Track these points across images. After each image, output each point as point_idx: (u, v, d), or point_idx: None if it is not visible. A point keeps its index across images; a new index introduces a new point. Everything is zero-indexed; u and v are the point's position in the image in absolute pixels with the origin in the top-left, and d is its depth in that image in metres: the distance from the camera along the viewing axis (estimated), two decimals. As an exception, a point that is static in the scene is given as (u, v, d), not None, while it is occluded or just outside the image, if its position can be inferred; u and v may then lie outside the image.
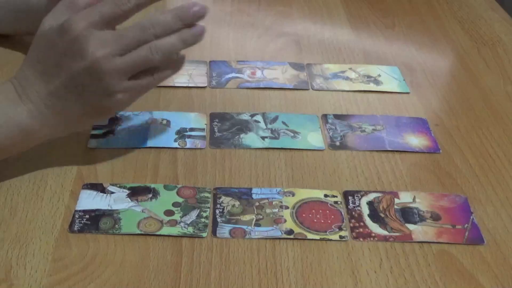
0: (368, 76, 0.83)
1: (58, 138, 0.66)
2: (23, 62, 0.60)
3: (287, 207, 0.60)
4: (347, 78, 0.82)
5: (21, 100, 0.58)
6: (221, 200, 0.61)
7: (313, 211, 0.60)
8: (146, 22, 0.58)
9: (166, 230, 0.57)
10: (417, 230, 0.59)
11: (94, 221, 0.57)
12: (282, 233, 0.57)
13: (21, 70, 0.59)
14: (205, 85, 0.79)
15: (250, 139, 0.69)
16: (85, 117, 0.61)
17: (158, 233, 0.57)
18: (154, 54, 0.58)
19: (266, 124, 0.72)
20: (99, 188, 0.61)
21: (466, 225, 0.60)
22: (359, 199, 0.62)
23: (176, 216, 0.58)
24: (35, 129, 0.59)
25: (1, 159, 0.60)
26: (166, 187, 0.62)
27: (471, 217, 0.60)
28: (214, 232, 0.57)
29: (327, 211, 0.60)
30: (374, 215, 0.60)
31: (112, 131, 0.69)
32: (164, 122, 0.71)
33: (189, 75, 0.80)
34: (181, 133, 0.69)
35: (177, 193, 0.61)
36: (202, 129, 0.70)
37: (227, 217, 0.59)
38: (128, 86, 0.59)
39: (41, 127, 0.59)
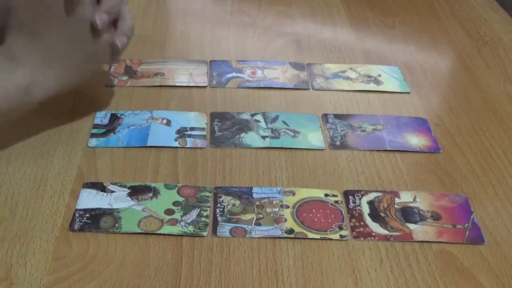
0: (369, 76, 0.83)
1: (58, 137, 0.66)
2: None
3: (287, 207, 0.60)
4: (347, 78, 0.82)
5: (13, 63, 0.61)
6: (221, 199, 0.61)
7: (314, 210, 0.60)
8: None
9: (166, 229, 0.57)
10: (418, 230, 0.59)
11: (95, 220, 0.57)
12: (282, 233, 0.57)
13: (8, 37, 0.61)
14: (206, 84, 0.79)
15: (250, 138, 0.69)
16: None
17: (158, 232, 0.57)
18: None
19: (266, 124, 0.72)
20: (100, 187, 0.61)
21: (467, 224, 0.60)
22: (360, 199, 0.62)
23: (177, 215, 0.58)
24: (33, 85, 0.61)
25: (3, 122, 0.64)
26: (166, 186, 0.62)
27: (472, 217, 0.60)
28: (214, 231, 0.57)
29: (328, 211, 0.60)
30: (375, 215, 0.60)
31: (112, 130, 0.69)
32: (165, 121, 0.71)
33: (189, 75, 0.80)
34: (182, 133, 0.69)
35: (178, 192, 0.61)
36: (203, 129, 0.70)
37: (228, 216, 0.59)
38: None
39: (37, 83, 0.62)
